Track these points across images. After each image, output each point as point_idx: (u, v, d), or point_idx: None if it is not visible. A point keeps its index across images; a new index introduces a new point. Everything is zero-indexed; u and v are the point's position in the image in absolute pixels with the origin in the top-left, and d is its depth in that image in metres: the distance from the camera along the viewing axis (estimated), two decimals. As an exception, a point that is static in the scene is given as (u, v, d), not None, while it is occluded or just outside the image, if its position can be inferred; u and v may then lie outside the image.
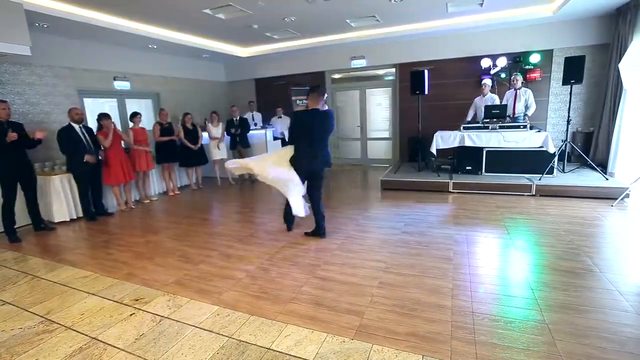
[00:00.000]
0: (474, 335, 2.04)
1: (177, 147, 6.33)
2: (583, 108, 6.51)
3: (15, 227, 4.26)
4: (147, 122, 6.92)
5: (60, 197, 4.84)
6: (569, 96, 5.48)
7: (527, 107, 5.80)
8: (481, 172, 5.74)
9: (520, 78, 5.80)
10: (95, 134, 4.99)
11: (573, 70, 5.08)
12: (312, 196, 3.67)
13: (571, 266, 2.84)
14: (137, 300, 2.66)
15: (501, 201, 4.84)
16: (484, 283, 2.65)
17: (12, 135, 3.98)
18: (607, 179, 5.03)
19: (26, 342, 2.21)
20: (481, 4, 5.55)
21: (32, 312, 2.57)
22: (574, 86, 5.30)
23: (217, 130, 6.75)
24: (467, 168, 5.86)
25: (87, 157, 4.66)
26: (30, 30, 4.32)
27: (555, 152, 5.20)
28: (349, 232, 3.89)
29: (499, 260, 3.06)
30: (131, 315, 2.46)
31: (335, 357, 1.91)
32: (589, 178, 5.17)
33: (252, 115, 7.80)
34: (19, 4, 4.15)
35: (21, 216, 4.41)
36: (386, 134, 8.44)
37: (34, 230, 4.53)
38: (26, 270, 3.36)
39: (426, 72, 5.99)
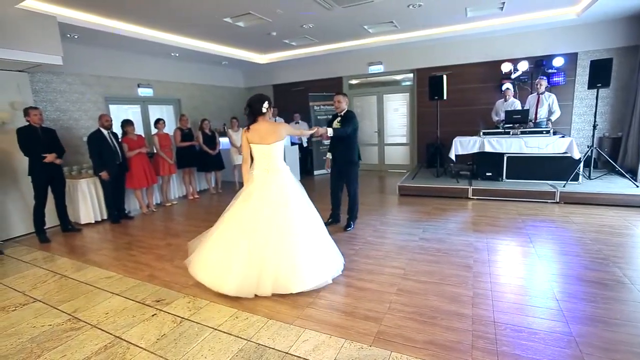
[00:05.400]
0: (496, 345, 1.99)
1: (197, 152, 6.48)
2: (610, 112, 6.28)
3: (45, 227, 4.46)
4: (168, 127, 7.13)
5: (87, 200, 5.04)
6: (595, 100, 5.30)
7: (550, 112, 5.64)
8: (502, 179, 5.60)
9: (544, 82, 5.65)
10: (120, 139, 5.17)
11: (599, 73, 4.92)
12: None
13: (599, 277, 2.73)
14: (158, 301, 2.73)
15: (523, 208, 4.71)
16: (506, 292, 2.58)
17: (50, 157, 4.25)
18: (637, 186, 4.82)
19: (55, 339, 2.30)
20: (501, 8, 5.46)
21: (60, 310, 2.68)
22: (600, 90, 5.13)
23: (237, 135, 6.86)
24: (488, 174, 5.74)
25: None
26: (62, 41, 4.55)
27: (580, 158, 5.02)
28: (367, 238, 3.87)
29: (521, 269, 2.97)
30: (153, 315, 2.52)
31: (353, 364, 1.90)
32: (617, 185, 4.97)
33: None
34: (53, 17, 4.39)
35: (50, 217, 4.61)
36: (404, 140, 8.37)
37: (61, 231, 4.72)
38: (55, 269, 3.50)
39: (445, 77, 5.93)
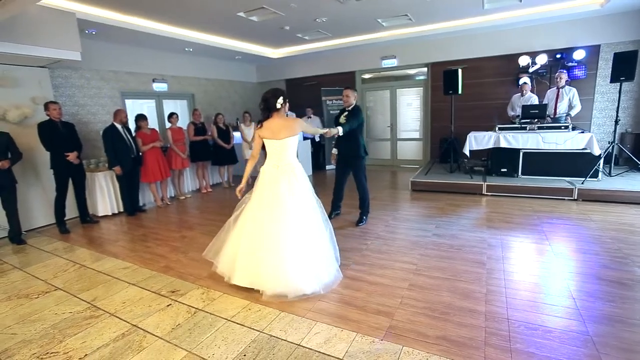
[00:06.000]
0: (510, 343, 1.97)
1: (210, 146, 6.56)
2: (634, 107, 6.05)
3: (65, 219, 4.61)
4: (182, 121, 7.24)
5: (104, 193, 5.17)
6: (617, 94, 5.12)
7: (570, 107, 5.48)
8: (517, 175, 5.49)
9: (565, 76, 5.46)
10: (134, 134, 5.25)
11: (623, 66, 4.74)
12: None
13: (618, 276, 2.66)
14: (173, 292, 2.79)
15: (539, 205, 4.61)
16: (520, 289, 2.54)
17: (72, 157, 4.42)
18: (660, 184, 4.65)
19: (75, 325, 2.39)
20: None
21: (80, 298, 2.77)
22: (623, 84, 4.95)
23: (249, 130, 6.90)
24: (502, 170, 5.63)
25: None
26: (80, 37, 4.64)
27: (600, 154, 4.87)
28: (379, 233, 3.86)
29: (536, 267, 2.92)
30: (168, 306, 2.58)
31: (364, 357, 1.91)
32: (639, 182, 4.80)
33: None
34: (72, 14, 4.48)
35: (69, 209, 4.75)
36: (417, 135, 8.27)
37: (80, 222, 4.87)
38: (74, 259, 3.62)
39: (460, 71, 5.82)
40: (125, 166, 4.95)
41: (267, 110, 2.84)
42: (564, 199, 4.79)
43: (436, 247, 3.39)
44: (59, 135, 4.34)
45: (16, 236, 4.18)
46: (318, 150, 8.43)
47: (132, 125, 5.40)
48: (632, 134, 5.99)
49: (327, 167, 8.35)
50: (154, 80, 6.92)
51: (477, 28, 6.50)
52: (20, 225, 4.24)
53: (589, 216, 4.09)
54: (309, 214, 2.74)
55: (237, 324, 2.29)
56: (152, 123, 5.95)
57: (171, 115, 5.93)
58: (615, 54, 4.92)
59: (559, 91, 5.52)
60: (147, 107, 7.05)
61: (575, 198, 4.73)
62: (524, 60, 6.42)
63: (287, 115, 3.05)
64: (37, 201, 4.71)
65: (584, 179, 4.92)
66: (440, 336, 2.05)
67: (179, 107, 7.67)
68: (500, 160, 5.63)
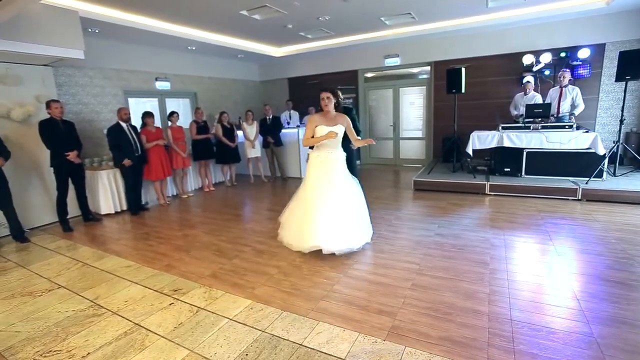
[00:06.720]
0: (513, 343, 1.95)
1: (213, 145, 6.56)
2: (639, 107, 6.00)
3: (67, 217, 4.63)
4: (185, 120, 7.25)
5: (107, 191, 5.18)
6: (622, 94, 5.07)
7: (574, 106, 5.43)
8: (521, 174, 5.46)
9: (568, 75, 5.42)
10: (139, 131, 5.27)
11: (629, 65, 4.68)
12: None
13: (623, 277, 2.64)
14: (175, 290, 2.79)
15: (542, 205, 4.58)
16: (524, 290, 2.53)
17: (72, 156, 4.44)
18: (665, 184, 4.61)
19: (78, 324, 2.40)
20: (525, -3, 5.27)
21: (82, 297, 2.78)
22: (629, 83, 4.90)
23: (252, 129, 6.90)
24: (506, 170, 5.60)
25: (126, 161, 4.93)
26: (83, 35, 4.65)
27: (605, 154, 4.84)
28: (381, 233, 3.85)
29: (540, 267, 2.90)
30: (170, 304, 2.58)
31: (367, 357, 1.90)
32: (644, 182, 4.77)
33: (289, 114, 7.88)
34: (75, 12, 4.49)
35: (72, 207, 4.77)
36: (419, 134, 8.24)
37: (83, 220, 4.89)
38: (77, 257, 3.63)
39: (463, 70, 5.78)
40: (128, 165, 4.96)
41: None
42: (568, 199, 4.76)
43: (439, 247, 3.37)
44: (59, 133, 4.35)
45: (19, 234, 4.20)
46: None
47: (138, 123, 5.40)
48: (637, 134, 5.94)
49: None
50: (156, 79, 6.92)
51: (480, 27, 6.46)
52: (20, 222, 4.23)
53: (593, 216, 4.06)
54: (309, 193, 3.35)
55: (239, 323, 2.29)
56: (155, 121, 5.95)
57: (171, 114, 5.92)
58: (621, 53, 4.86)
59: (561, 90, 5.49)
60: (150, 105, 7.05)
61: (580, 198, 4.70)
62: (527, 59, 6.38)
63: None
64: (40, 199, 4.73)
65: (588, 178, 4.88)
66: (443, 337, 2.04)
67: (181, 105, 7.68)
68: (504, 160, 5.60)
